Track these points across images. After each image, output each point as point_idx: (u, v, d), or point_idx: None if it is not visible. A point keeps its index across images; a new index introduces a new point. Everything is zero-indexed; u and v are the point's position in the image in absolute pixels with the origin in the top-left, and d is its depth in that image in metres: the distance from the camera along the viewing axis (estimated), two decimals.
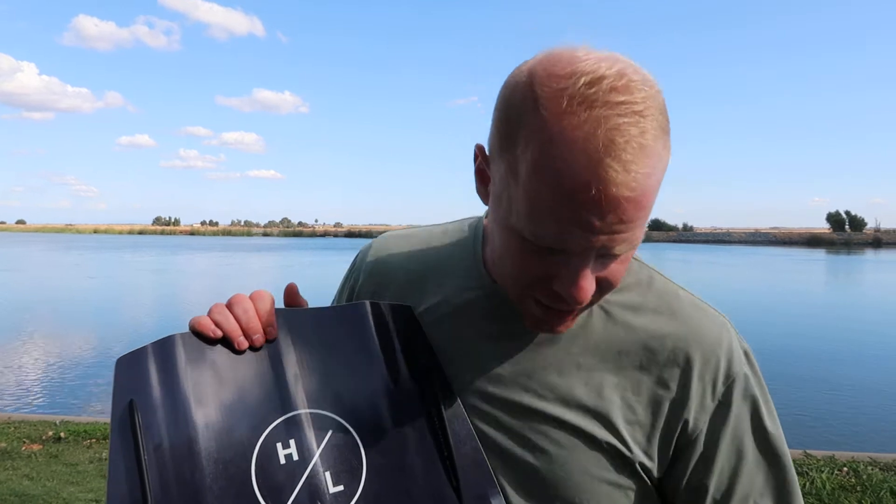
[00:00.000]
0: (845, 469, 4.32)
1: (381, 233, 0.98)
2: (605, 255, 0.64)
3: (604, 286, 0.67)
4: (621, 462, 0.73)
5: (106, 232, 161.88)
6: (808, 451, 4.82)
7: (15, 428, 5.47)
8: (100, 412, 6.96)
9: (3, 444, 4.93)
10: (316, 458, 0.68)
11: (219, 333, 0.71)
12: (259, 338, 0.73)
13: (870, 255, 57.11)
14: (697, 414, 0.73)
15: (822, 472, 4.21)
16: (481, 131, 0.73)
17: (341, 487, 0.67)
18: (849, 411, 7.23)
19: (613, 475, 0.72)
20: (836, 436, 6.26)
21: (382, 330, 0.78)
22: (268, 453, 0.67)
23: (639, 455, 0.73)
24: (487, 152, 0.70)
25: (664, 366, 0.73)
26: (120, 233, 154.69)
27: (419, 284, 0.85)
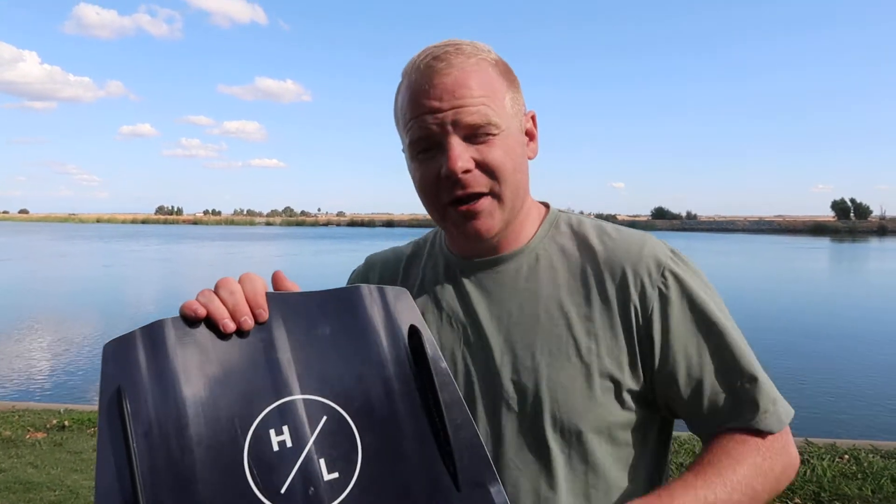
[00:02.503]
0: (846, 457, 4.31)
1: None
2: (470, 137, 0.81)
3: (490, 170, 0.82)
4: (604, 381, 0.82)
5: (109, 221, 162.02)
6: (809, 439, 4.83)
7: (19, 416, 5.49)
8: None
9: (8, 433, 4.95)
10: (310, 444, 0.67)
11: (202, 313, 0.69)
12: (247, 320, 0.70)
13: (874, 243, 56.83)
14: (642, 316, 0.83)
15: (823, 459, 4.21)
16: None
17: (336, 475, 0.66)
18: (850, 399, 7.23)
19: (598, 389, 0.82)
20: (837, 424, 6.27)
21: (377, 314, 0.76)
22: (261, 440, 0.66)
23: (612, 369, 0.82)
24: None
25: (603, 285, 0.85)
26: (123, 222, 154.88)
27: (402, 275, 0.99)
